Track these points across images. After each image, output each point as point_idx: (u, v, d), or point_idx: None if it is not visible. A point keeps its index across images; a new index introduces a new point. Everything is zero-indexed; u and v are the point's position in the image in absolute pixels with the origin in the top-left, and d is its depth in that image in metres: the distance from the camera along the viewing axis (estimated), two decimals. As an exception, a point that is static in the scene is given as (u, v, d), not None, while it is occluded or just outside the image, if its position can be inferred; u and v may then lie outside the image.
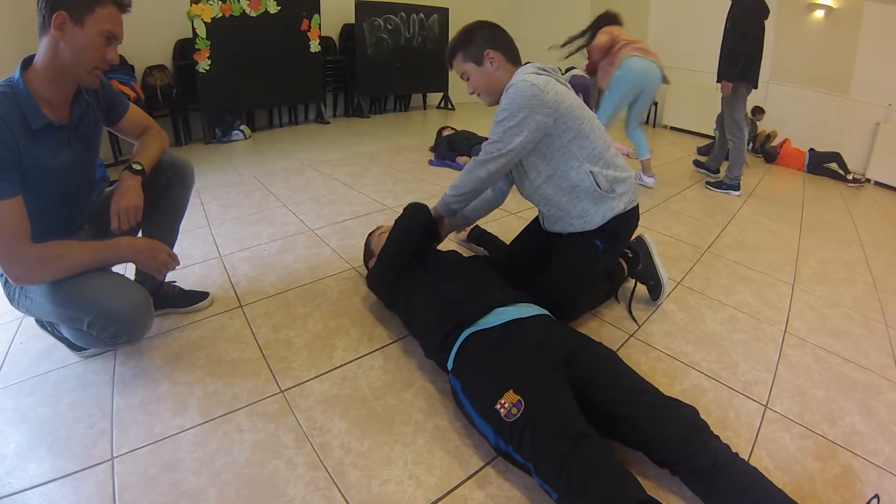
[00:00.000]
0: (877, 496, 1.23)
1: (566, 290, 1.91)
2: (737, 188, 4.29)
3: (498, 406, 1.27)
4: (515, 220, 3.13)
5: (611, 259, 2.10)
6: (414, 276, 1.82)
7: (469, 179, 1.83)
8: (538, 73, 1.75)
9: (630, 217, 1.95)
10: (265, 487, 1.26)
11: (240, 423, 1.46)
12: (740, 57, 4.08)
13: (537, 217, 2.16)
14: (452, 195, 1.93)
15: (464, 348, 1.48)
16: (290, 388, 1.61)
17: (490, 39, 1.83)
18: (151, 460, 1.33)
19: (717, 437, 1.29)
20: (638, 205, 1.97)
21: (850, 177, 5.43)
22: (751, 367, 1.90)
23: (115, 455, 1.34)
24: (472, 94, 1.94)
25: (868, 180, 5.55)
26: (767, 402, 1.71)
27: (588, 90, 6.41)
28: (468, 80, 1.89)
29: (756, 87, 4.25)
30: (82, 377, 1.64)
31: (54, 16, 1.29)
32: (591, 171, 1.81)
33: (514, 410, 1.24)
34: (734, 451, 1.26)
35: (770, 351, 2.02)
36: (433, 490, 1.28)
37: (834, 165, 5.59)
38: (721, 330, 2.13)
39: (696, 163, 5.14)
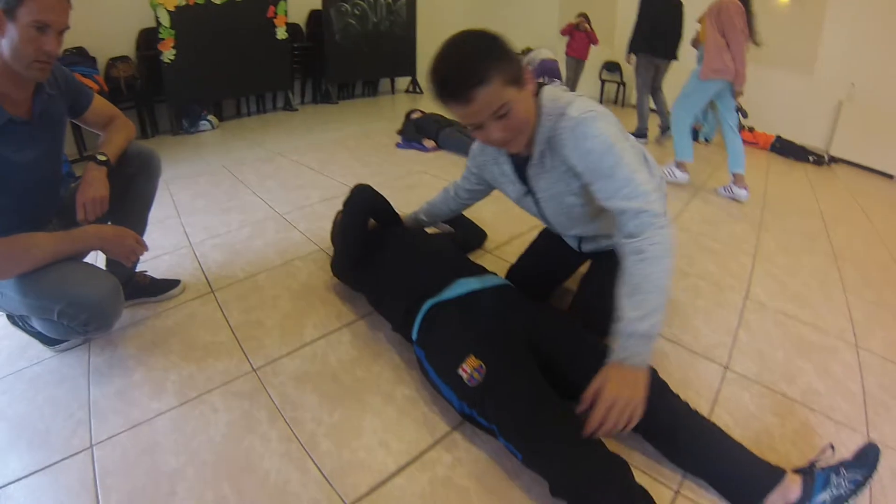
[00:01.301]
0: (831, 445, 1.30)
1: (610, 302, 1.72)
2: (643, 136, 5.37)
3: (460, 371, 1.32)
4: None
5: None
6: (376, 256, 1.83)
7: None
8: (577, 95, 1.35)
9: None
10: (241, 462, 1.31)
11: (214, 403, 1.50)
12: (638, 33, 5.12)
13: (543, 234, 2.01)
14: None
15: (426, 318, 1.52)
16: (262, 367, 1.65)
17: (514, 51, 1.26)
18: (130, 445, 1.36)
19: (677, 395, 1.34)
20: None
21: (811, 158, 5.57)
22: (712, 332, 1.97)
23: (94, 443, 1.37)
24: (500, 140, 1.28)
25: (833, 160, 5.67)
26: (728, 364, 1.79)
27: (556, 73, 6.43)
28: (504, 116, 1.21)
29: (666, 59, 5.16)
30: (57, 371, 1.65)
31: None
32: None
33: (476, 375, 1.29)
34: (694, 409, 1.32)
35: (731, 316, 2.10)
36: (402, 455, 1.34)
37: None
38: (683, 298, 2.20)
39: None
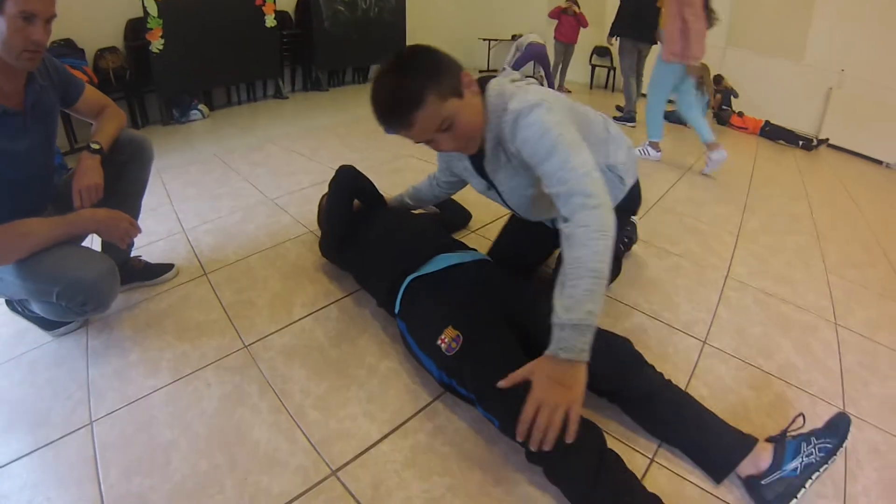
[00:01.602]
0: (802, 415, 1.34)
1: None
2: (632, 120, 5.43)
3: (439, 342, 1.38)
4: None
5: (621, 232, 2.04)
6: (361, 235, 1.88)
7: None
8: (525, 90, 1.34)
9: (636, 189, 1.83)
10: (233, 433, 1.37)
11: (208, 378, 1.57)
12: (621, 16, 5.38)
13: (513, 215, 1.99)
14: None
15: (408, 292, 1.58)
16: (253, 343, 1.72)
17: (453, 60, 1.31)
18: (128, 420, 1.42)
19: (652, 366, 1.40)
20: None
21: (800, 142, 5.63)
22: (692, 309, 2.03)
23: (93, 420, 1.42)
24: (453, 149, 1.37)
25: (822, 141, 5.71)
26: (706, 339, 1.85)
27: (544, 57, 6.44)
28: (450, 127, 1.27)
29: (649, 44, 5.26)
30: (56, 354, 1.70)
31: None
32: (607, 166, 1.64)
33: (454, 345, 1.35)
34: (668, 379, 1.37)
35: (711, 294, 2.16)
36: (386, 424, 1.40)
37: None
38: (665, 276, 2.26)
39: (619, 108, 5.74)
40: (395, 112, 1.24)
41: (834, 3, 5.73)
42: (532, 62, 6.60)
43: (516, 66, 6.21)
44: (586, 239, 1.09)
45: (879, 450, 1.46)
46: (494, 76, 1.42)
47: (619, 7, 5.40)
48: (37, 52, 1.40)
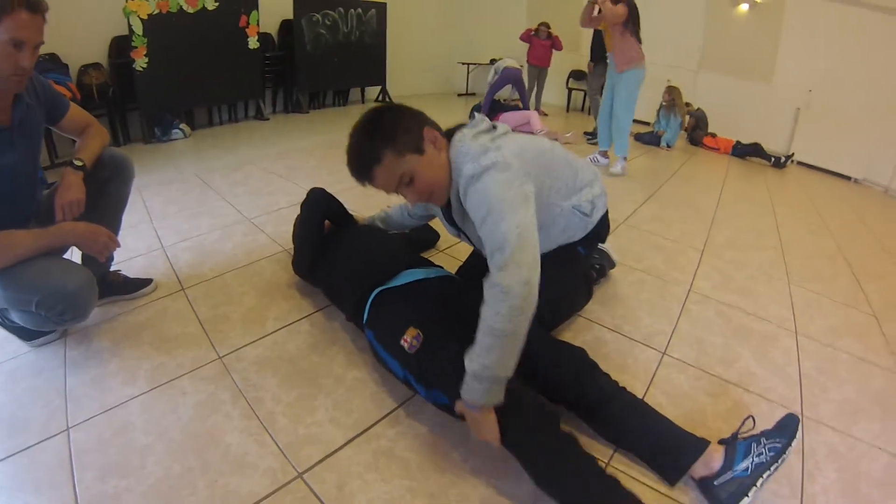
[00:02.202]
0: (751, 417, 1.43)
1: (556, 300, 1.78)
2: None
3: (402, 342, 1.49)
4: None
5: (589, 259, 2.15)
6: (331, 254, 1.98)
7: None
8: (485, 147, 1.39)
9: (605, 219, 1.90)
10: (206, 438, 1.45)
11: (183, 387, 1.64)
12: (597, 42, 5.81)
13: None
14: None
15: (374, 303, 1.68)
16: (227, 355, 1.80)
17: (418, 116, 1.45)
18: (105, 426, 1.48)
19: (607, 374, 1.48)
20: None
21: (771, 160, 5.85)
22: (653, 322, 2.11)
23: (70, 426, 1.47)
24: (418, 201, 1.48)
25: (789, 157, 5.94)
26: (665, 350, 1.93)
27: (519, 80, 6.63)
28: (410, 182, 1.39)
29: None
30: (35, 364, 1.74)
31: None
32: (573, 207, 1.70)
33: (415, 342, 1.46)
34: (622, 387, 1.45)
35: (673, 307, 2.25)
36: (351, 429, 1.49)
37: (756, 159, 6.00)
38: (628, 291, 2.35)
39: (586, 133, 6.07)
40: (359, 168, 1.41)
41: (800, 25, 6.01)
42: (509, 85, 6.80)
43: (493, 89, 6.40)
44: (491, 299, 1.20)
45: (838, 451, 1.53)
46: (464, 126, 1.52)
47: (594, 35, 5.87)
48: (24, 76, 1.49)
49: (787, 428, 1.33)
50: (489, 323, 1.20)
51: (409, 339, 1.48)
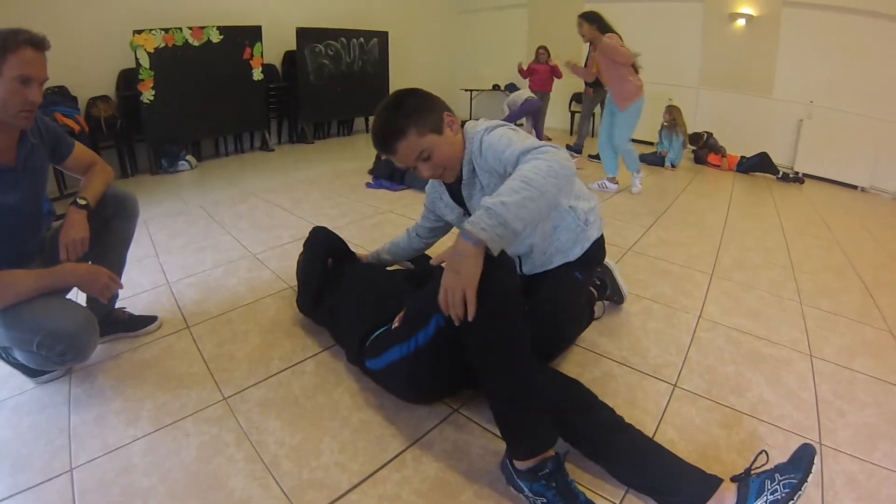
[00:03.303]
0: (764, 451, 1.35)
1: (557, 325, 1.85)
2: (579, 151, 6.32)
3: (393, 327, 1.59)
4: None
5: (588, 286, 2.15)
6: (335, 293, 1.98)
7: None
8: (484, 121, 1.66)
9: (601, 242, 1.97)
10: (209, 481, 1.44)
11: (187, 428, 1.64)
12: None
13: None
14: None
15: (373, 340, 1.68)
16: (231, 396, 1.79)
17: (439, 101, 1.62)
18: (108, 467, 1.47)
19: (611, 408, 1.46)
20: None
21: (779, 174, 5.85)
22: (661, 352, 2.07)
23: (73, 466, 1.47)
24: (431, 176, 1.67)
25: (798, 173, 5.95)
26: (676, 382, 1.89)
27: (538, 111, 6.69)
28: (428, 158, 1.56)
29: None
30: (39, 401, 1.75)
31: None
32: (570, 207, 1.81)
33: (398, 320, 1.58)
34: (628, 423, 1.43)
35: (683, 336, 2.20)
36: (356, 474, 1.48)
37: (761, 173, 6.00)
38: (635, 321, 2.32)
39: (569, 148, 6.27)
40: (383, 140, 1.56)
41: (797, 36, 6.04)
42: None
43: (509, 119, 6.44)
44: (528, 162, 1.35)
45: (857, 479, 1.47)
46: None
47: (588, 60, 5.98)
48: (32, 112, 1.54)
49: (802, 460, 1.25)
50: (523, 172, 1.31)
51: (398, 321, 1.59)
